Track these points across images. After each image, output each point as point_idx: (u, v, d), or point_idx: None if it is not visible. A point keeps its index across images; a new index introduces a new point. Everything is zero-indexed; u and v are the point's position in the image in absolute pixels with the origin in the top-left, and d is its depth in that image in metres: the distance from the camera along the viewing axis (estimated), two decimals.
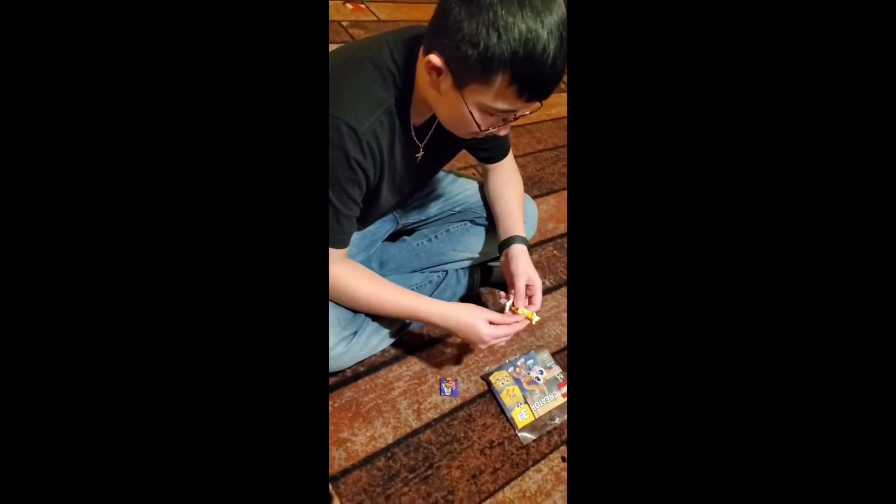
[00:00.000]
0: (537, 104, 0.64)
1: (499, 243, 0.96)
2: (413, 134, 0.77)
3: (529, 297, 0.89)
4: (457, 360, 1.01)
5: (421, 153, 0.81)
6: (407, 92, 0.71)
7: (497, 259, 1.14)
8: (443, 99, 0.66)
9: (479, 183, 1.09)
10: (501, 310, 0.90)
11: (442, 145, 0.83)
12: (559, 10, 0.56)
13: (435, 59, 0.61)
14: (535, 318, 0.88)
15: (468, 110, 0.64)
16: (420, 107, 0.73)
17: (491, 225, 1.04)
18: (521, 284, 0.88)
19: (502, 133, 0.73)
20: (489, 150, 0.97)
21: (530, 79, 0.59)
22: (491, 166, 1.00)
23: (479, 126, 0.67)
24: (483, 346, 0.87)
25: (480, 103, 0.63)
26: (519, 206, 0.99)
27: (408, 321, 0.98)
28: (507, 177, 1.00)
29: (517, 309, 0.88)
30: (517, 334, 1.07)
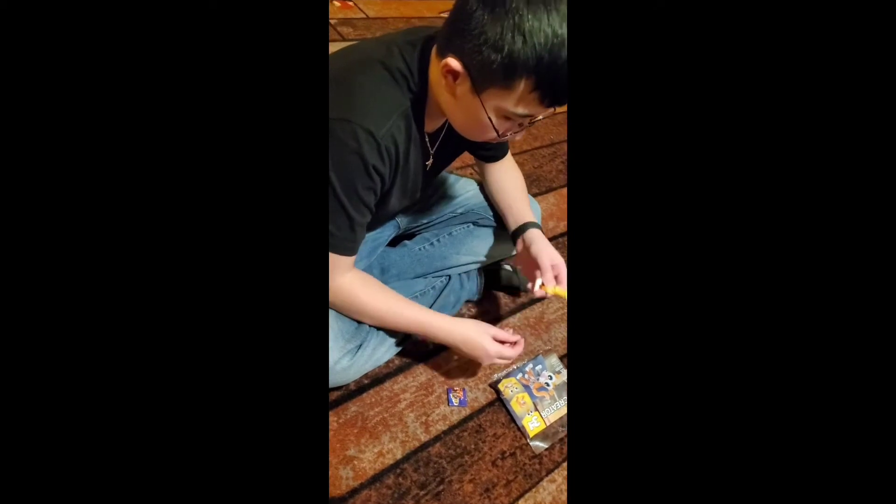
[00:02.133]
0: (552, 110, 0.61)
1: (512, 231, 0.94)
2: (426, 141, 0.74)
3: (556, 277, 0.85)
4: (463, 369, 0.98)
5: (431, 160, 0.78)
6: (421, 96, 0.68)
7: (501, 262, 1.12)
8: (459, 104, 0.64)
9: (479, 183, 1.06)
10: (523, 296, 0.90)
11: (449, 151, 0.81)
12: None
13: (453, 62, 0.59)
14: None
15: (486, 115, 0.61)
16: (434, 112, 0.70)
17: (495, 227, 1.02)
18: (546, 263, 0.84)
19: (518, 138, 0.70)
20: (492, 150, 0.94)
21: (554, 85, 0.57)
22: (490, 164, 0.98)
23: (496, 131, 0.64)
24: (486, 363, 0.86)
25: (499, 108, 0.61)
26: (523, 195, 0.97)
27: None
28: (506, 171, 0.99)
29: (547, 288, 0.84)
30: (523, 338, 1.05)
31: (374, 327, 0.87)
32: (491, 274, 1.11)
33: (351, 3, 2.15)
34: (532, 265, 0.87)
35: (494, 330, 0.84)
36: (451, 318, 0.85)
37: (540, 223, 1.09)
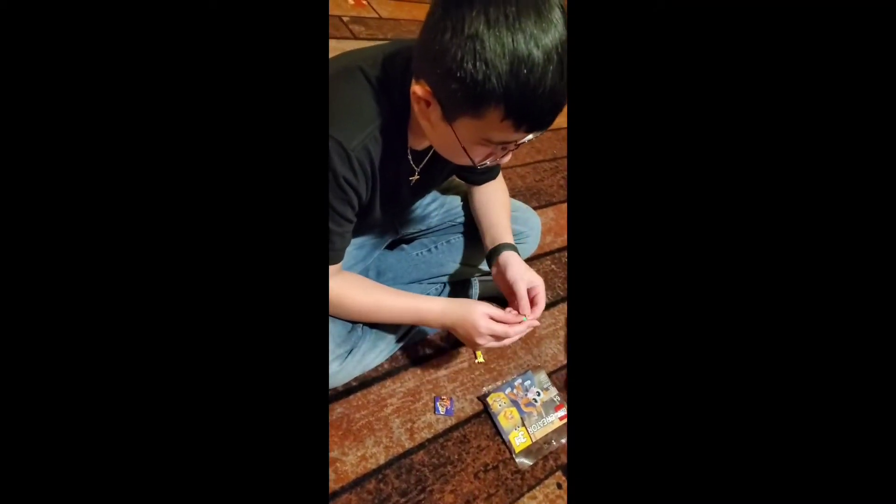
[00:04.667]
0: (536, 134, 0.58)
1: (486, 254, 0.90)
2: (410, 157, 0.71)
3: (533, 298, 0.81)
4: (452, 378, 0.98)
5: (416, 177, 0.76)
6: (403, 110, 0.64)
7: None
8: (434, 129, 0.60)
9: (465, 200, 1.05)
10: None
11: (439, 168, 0.78)
12: (556, 31, 0.48)
13: (420, 90, 0.55)
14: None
15: (461, 145, 0.58)
16: (419, 130, 0.66)
17: None
18: (522, 289, 0.80)
19: (503, 161, 0.67)
20: (485, 174, 0.92)
21: (527, 111, 0.52)
22: (477, 187, 0.96)
23: (472, 161, 0.62)
24: (481, 342, 0.77)
25: (474, 136, 0.57)
26: (506, 214, 0.93)
27: (403, 336, 0.94)
28: (493, 191, 0.96)
29: (525, 316, 0.79)
30: (513, 352, 1.05)
31: (369, 327, 0.86)
32: (487, 284, 1.10)
33: (364, 2, 2.15)
34: (510, 290, 0.82)
35: (492, 309, 0.78)
36: (445, 298, 0.80)
37: (538, 238, 1.09)
